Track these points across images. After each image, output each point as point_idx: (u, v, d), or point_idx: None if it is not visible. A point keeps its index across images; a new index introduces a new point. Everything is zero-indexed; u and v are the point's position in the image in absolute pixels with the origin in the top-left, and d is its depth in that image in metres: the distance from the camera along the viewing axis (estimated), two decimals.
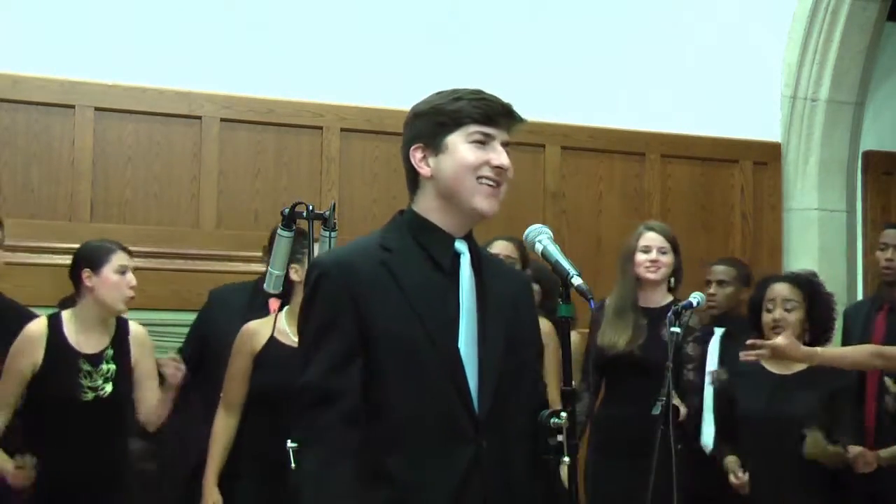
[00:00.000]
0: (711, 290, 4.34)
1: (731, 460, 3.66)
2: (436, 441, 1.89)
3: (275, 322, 3.43)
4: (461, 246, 1.99)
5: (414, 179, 2.02)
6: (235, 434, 3.42)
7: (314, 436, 1.88)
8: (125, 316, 3.54)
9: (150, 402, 3.50)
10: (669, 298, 3.76)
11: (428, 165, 1.98)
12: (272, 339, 3.39)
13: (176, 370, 3.41)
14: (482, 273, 2.00)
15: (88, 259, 3.43)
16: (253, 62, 4.73)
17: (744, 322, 4.23)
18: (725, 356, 4.11)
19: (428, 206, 2.00)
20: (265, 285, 3.16)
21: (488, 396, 1.92)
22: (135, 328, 3.55)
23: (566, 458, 1.80)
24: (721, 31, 5.51)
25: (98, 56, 4.50)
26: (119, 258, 3.44)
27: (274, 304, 3.94)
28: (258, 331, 3.42)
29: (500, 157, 1.97)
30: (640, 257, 3.74)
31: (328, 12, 4.89)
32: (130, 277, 3.43)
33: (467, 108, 1.96)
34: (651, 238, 3.74)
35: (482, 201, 1.96)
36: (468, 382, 1.91)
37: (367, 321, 1.90)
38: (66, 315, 3.44)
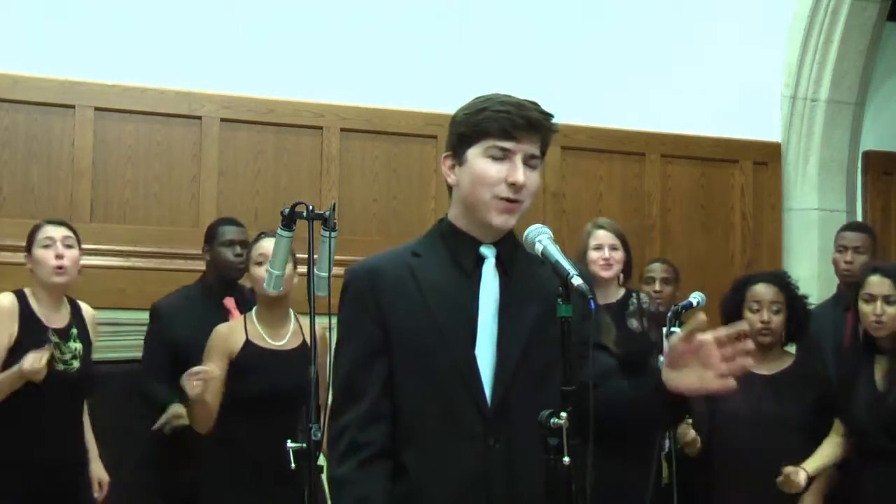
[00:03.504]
0: (657, 287, 4.40)
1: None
2: (447, 441, 1.91)
3: (245, 325, 3.44)
4: (487, 250, 2.01)
5: (449, 186, 2.05)
6: (228, 438, 3.41)
7: (336, 434, 1.96)
8: (76, 298, 3.56)
9: None
10: (623, 291, 3.83)
11: (454, 175, 2.02)
12: (248, 342, 3.41)
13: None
14: (513, 276, 2.00)
15: (26, 245, 3.45)
16: (253, 62, 4.74)
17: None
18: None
19: (456, 213, 2.04)
20: (265, 285, 3.16)
21: (502, 399, 1.92)
22: (86, 308, 3.55)
23: (566, 458, 1.79)
24: (721, 31, 5.51)
25: (98, 56, 4.50)
26: (44, 232, 3.41)
27: (229, 301, 3.94)
28: (231, 334, 3.43)
29: (515, 173, 1.93)
30: (593, 255, 3.77)
31: (328, 12, 4.89)
32: (58, 248, 3.37)
33: (487, 121, 1.94)
34: (602, 236, 3.80)
35: (496, 217, 1.97)
36: (482, 384, 1.93)
37: (388, 322, 1.95)
38: (27, 291, 3.43)
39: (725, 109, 5.48)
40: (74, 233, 3.49)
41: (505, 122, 1.94)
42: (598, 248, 3.78)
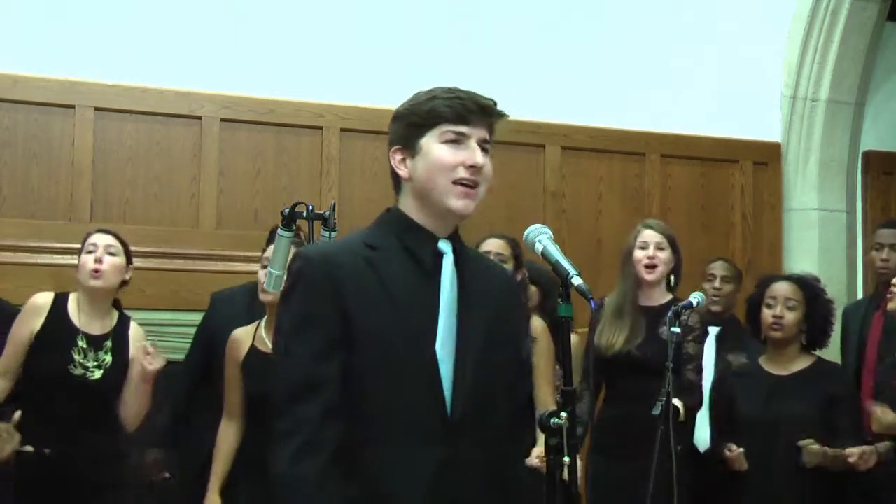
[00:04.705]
0: (717, 285, 4.36)
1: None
2: (407, 440, 1.89)
3: (256, 330, 3.46)
4: (444, 245, 1.99)
5: (397, 180, 2.03)
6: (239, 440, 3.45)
7: (291, 428, 1.87)
8: (127, 313, 3.59)
9: (137, 403, 3.49)
10: (668, 297, 3.75)
11: (406, 167, 1.99)
12: (252, 347, 3.42)
13: (149, 361, 3.38)
14: (465, 272, 1.99)
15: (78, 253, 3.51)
16: (253, 62, 4.74)
17: (737, 321, 4.27)
18: (721, 356, 4.14)
19: (410, 207, 2.01)
20: (265, 285, 3.17)
21: (463, 398, 1.91)
22: (135, 327, 3.58)
23: (566, 458, 1.80)
24: (721, 31, 5.51)
25: (98, 56, 4.50)
26: (91, 239, 3.50)
27: None
28: (241, 339, 3.46)
29: (473, 156, 1.94)
30: (638, 254, 3.73)
31: (328, 12, 4.89)
32: (99, 253, 3.44)
33: (440, 107, 1.95)
34: (648, 235, 3.74)
35: (456, 202, 1.95)
36: (442, 383, 1.91)
37: (347, 316, 1.90)
38: (72, 295, 3.49)
39: (725, 109, 5.47)
40: (122, 243, 3.53)
41: (459, 106, 1.95)
42: (643, 247, 3.71)
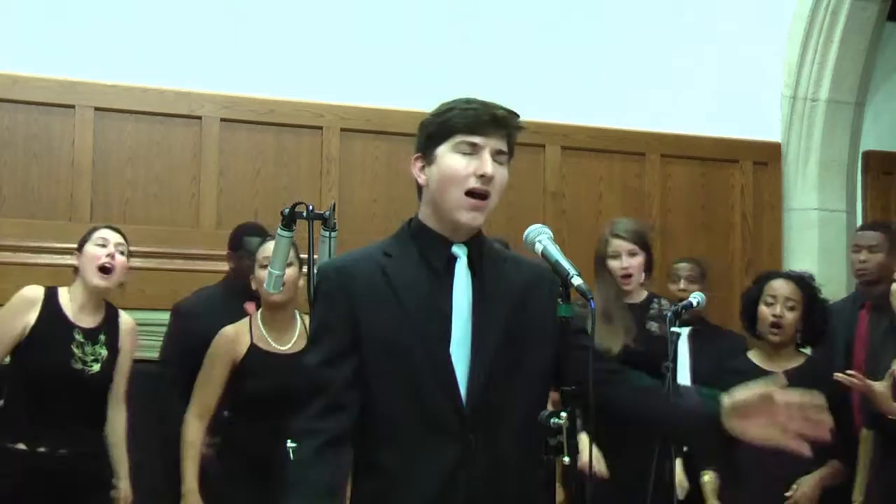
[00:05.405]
0: (681, 286, 4.39)
1: (707, 482, 3.66)
2: (422, 438, 1.94)
3: (251, 328, 3.44)
4: (458, 250, 2.03)
5: (419, 188, 2.08)
6: (228, 437, 3.45)
7: (296, 430, 2.01)
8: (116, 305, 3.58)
9: (119, 389, 3.52)
10: (645, 294, 3.75)
11: (424, 175, 2.05)
12: (252, 346, 3.41)
13: None
14: (484, 274, 2.03)
15: (79, 244, 3.49)
16: (253, 62, 4.74)
17: (705, 321, 4.35)
18: (699, 353, 4.15)
19: (426, 214, 2.06)
20: (265, 285, 3.16)
21: (478, 395, 1.95)
22: (125, 319, 3.56)
23: (566, 458, 1.80)
24: (721, 31, 5.51)
25: (98, 56, 4.51)
26: (101, 233, 3.47)
27: (250, 306, 3.89)
28: (237, 338, 3.43)
29: (484, 166, 1.98)
30: (612, 264, 3.71)
31: (328, 12, 4.89)
32: (111, 249, 3.42)
33: (455, 118, 2.01)
34: (619, 245, 3.70)
35: (464, 215, 2.00)
36: (457, 381, 1.95)
37: (360, 323, 1.98)
38: (61, 289, 3.46)
39: (725, 109, 5.48)
40: (127, 243, 3.53)
41: (472, 117, 2.00)
42: (615, 256, 3.69)
